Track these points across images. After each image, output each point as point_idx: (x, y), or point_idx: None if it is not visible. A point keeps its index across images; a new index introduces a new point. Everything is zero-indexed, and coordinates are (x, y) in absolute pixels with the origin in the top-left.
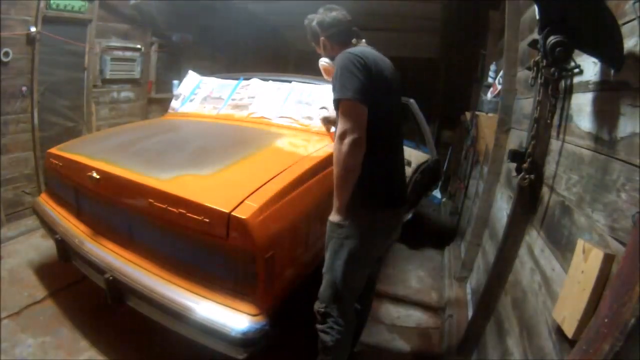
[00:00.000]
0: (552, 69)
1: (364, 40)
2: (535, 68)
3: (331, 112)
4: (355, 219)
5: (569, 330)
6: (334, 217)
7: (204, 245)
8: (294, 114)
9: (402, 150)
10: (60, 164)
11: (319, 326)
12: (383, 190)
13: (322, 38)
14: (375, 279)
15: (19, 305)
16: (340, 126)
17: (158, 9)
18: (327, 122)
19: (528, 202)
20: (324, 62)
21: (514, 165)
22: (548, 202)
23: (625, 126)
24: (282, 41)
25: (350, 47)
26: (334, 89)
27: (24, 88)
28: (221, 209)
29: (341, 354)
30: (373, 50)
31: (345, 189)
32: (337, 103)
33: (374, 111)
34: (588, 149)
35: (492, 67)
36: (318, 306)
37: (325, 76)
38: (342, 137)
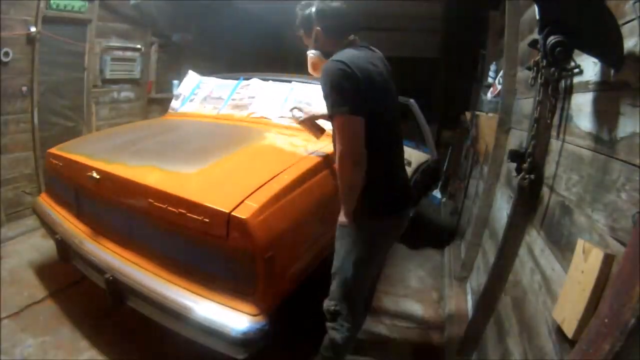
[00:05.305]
0: (552, 69)
1: (356, 37)
2: (535, 68)
3: (307, 110)
4: (364, 224)
5: (569, 331)
6: (342, 219)
7: (204, 245)
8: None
9: (402, 152)
10: (60, 164)
11: (329, 324)
12: (386, 199)
13: (316, 28)
14: (375, 283)
15: (19, 305)
16: (340, 145)
17: (158, 9)
18: (309, 124)
19: (528, 202)
20: (312, 54)
21: (514, 165)
22: (548, 202)
23: (625, 126)
24: (282, 41)
25: (343, 44)
26: (326, 105)
27: (24, 88)
28: (221, 209)
29: (347, 351)
30: (363, 50)
31: (350, 200)
32: (331, 119)
33: (370, 119)
34: (588, 149)
35: (492, 67)
36: (328, 304)
37: (311, 70)
38: (343, 158)
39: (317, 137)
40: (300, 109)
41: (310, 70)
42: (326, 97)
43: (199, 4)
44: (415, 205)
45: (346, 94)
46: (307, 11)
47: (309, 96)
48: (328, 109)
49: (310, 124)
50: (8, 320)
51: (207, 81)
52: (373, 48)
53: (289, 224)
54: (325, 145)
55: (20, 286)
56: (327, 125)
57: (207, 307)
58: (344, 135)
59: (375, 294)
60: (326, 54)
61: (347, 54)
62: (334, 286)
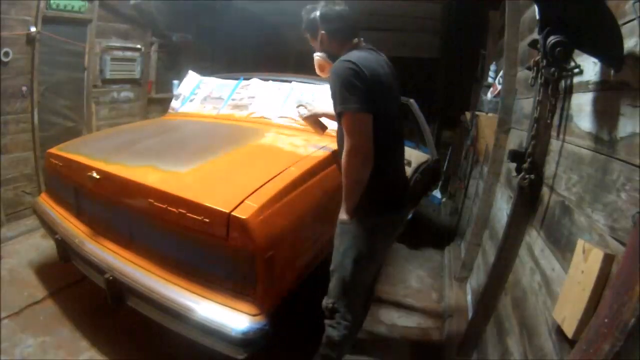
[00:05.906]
0: (552, 69)
1: (362, 39)
2: (535, 68)
3: (310, 108)
4: (365, 221)
5: (569, 330)
6: (343, 216)
7: (204, 245)
8: (294, 114)
9: (403, 153)
10: (60, 164)
11: (327, 321)
12: (388, 197)
13: (321, 32)
14: (375, 281)
15: (19, 305)
16: (349, 141)
17: (158, 9)
18: (313, 121)
19: (528, 202)
20: (318, 56)
21: (514, 165)
22: (548, 202)
23: (625, 126)
24: (282, 41)
25: (348, 47)
26: (335, 102)
27: (24, 88)
28: (221, 209)
29: (346, 349)
30: (369, 52)
31: (353, 196)
32: (340, 116)
33: (376, 118)
34: (588, 149)
35: (492, 67)
36: (326, 302)
37: (318, 71)
38: (351, 153)
39: (320, 134)
40: (305, 106)
41: (317, 71)
42: (334, 95)
43: (199, 4)
44: (415, 205)
45: (356, 91)
46: (312, 15)
47: (309, 96)
48: (336, 106)
49: (314, 121)
50: (8, 320)
51: (207, 81)
52: (377, 51)
53: (289, 223)
54: (326, 145)
55: (20, 286)
56: (329, 123)
57: (207, 307)
58: (353, 131)
59: (375, 294)
60: (332, 57)
61: (355, 55)
62: (333, 283)
